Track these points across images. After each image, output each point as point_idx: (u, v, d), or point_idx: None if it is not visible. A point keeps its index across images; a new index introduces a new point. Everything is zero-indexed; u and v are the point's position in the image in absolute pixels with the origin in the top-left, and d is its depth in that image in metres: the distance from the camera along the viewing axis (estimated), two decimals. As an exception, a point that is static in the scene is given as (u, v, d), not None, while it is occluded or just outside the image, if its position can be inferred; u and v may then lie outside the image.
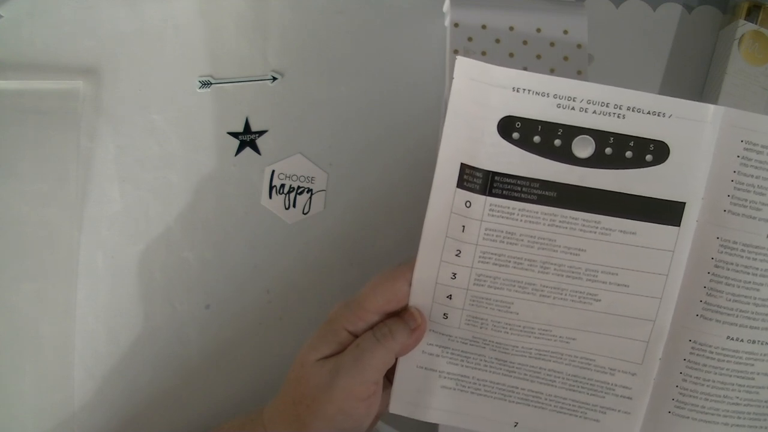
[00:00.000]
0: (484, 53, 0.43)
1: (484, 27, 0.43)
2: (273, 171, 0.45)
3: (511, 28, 0.43)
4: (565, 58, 0.43)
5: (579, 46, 0.44)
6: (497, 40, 0.43)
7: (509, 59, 0.43)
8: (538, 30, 0.43)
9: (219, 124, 0.45)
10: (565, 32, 0.44)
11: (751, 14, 0.46)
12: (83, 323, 0.43)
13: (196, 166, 0.45)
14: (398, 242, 0.45)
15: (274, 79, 0.46)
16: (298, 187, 0.45)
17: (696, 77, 0.48)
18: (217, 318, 0.44)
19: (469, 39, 0.43)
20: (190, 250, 0.44)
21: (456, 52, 0.43)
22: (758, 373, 0.36)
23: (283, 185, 0.45)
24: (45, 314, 0.43)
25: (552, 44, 0.43)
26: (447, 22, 0.44)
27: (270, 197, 0.45)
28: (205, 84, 0.45)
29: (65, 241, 0.43)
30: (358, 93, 0.46)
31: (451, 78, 0.43)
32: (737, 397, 0.36)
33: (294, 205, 0.45)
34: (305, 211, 0.45)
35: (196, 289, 0.44)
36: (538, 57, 0.43)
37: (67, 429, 0.42)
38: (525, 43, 0.43)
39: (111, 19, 0.45)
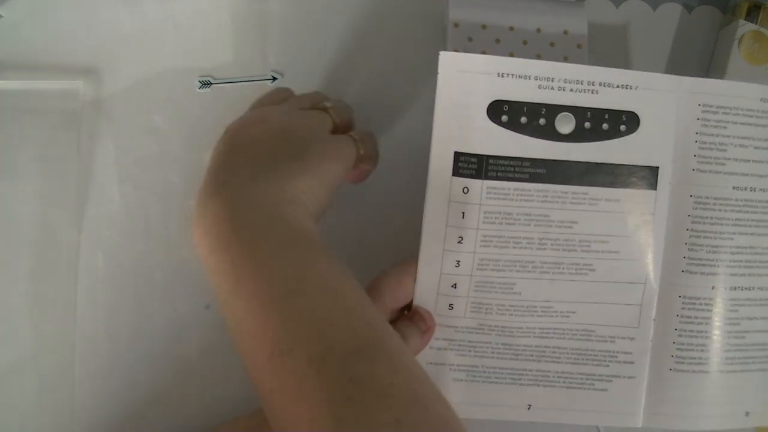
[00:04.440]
0: (483, 53, 0.43)
1: (484, 27, 0.43)
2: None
3: (511, 28, 0.43)
4: (565, 59, 0.43)
5: (579, 46, 0.44)
6: (497, 40, 0.43)
7: (509, 59, 0.43)
8: (538, 30, 0.43)
9: (219, 124, 0.45)
10: (565, 32, 0.44)
11: (751, 14, 0.46)
12: (83, 323, 0.43)
13: (196, 166, 0.45)
14: (398, 242, 0.45)
15: (274, 79, 0.46)
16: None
17: (696, 77, 0.48)
18: (217, 318, 0.44)
19: (469, 39, 0.43)
20: (190, 250, 0.44)
21: (456, 52, 0.43)
22: (743, 318, 0.38)
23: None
24: (45, 314, 0.43)
25: (552, 44, 0.43)
26: (447, 22, 0.44)
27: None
28: (205, 84, 0.45)
29: (65, 241, 0.43)
30: (358, 93, 0.46)
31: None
32: (728, 344, 0.38)
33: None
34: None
35: (196, 289, 0.44)
36: (538, 57, 0.43)
37: (67, 429, 0.42)
38: (525, 43, 0.43)
39: (111, 19, 0.45)
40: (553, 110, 0.36)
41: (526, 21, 0.43)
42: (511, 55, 0.43)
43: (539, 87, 0.36)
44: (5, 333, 0.42)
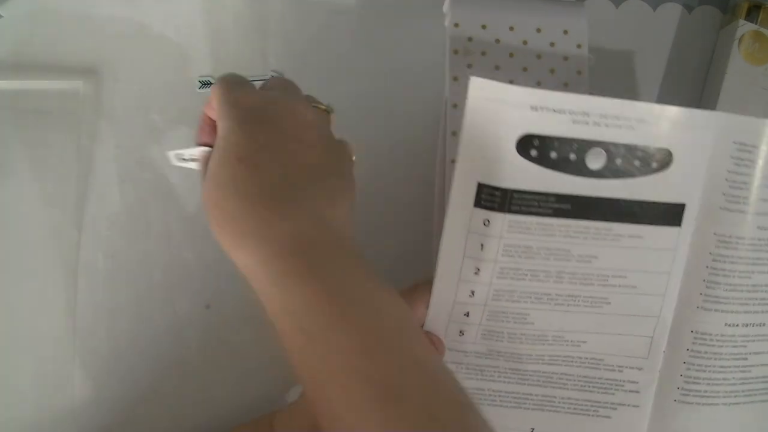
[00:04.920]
0: (484, 53, 0.43)
1: (484, 27, 0.43)
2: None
3: (511, 28, 0.43)
4: (565, 59, 0.43)
5: (579, 46, 0.44)
6: (497, 40, 0.43)
7: (509, 60, 0.43)
8: (538, 30, 0.43)
9: (219, 124, 0.45)
10: (565, 32, 0.44)
11: (751, 14, 0.46)
12: (83, 323, 0.43)
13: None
14: (399, 243, 0.45)
15: (274, 79, 0.46)
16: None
17: (696, 77, 0.48)
18: (217, 318, 0.44)
19: (469, 39, 0.43)
20: (190, 250, 0.44)
21: (456, 52, 0.43)
22: (751, 353, 0.38)
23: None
24: (45, 314, 0.43)
25: (552, 44, 0.43)
26: (447, 22, 0.44)
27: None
28: (205, 84, 0.45)
29: (65, 241, 0.43)
30: (358, 93, 0.46)
31: (452, 78, 0.43)
32: (734, 378, 0.38)
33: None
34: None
35: (196, 289, 0.44)
36: (539, 57, 0.43)
37: (67, 429, 0.42)
38: (525, 43, 0.43)
39: (111, 19, 0.45)
40: (584, 145, 0.35)
41: (526, 21, 0.43)
42: (511, 55, 0.43)
43: (573, 122, 0.34)
44: (5, 333, 0.42)
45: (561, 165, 0.35)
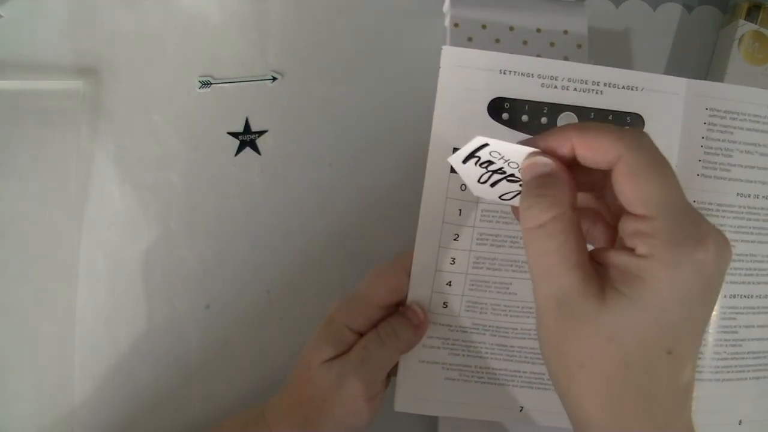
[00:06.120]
0: (484, 53, 0.43)
1: (484, 27, 0.43)
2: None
3: (511, 28, 0.43)
4: (565, 58, 0.43)
5: (579, 46, 0.44)
6: (497, 40, 0.43)
7: (509, 59, 0.43)
8: (538, 30, 0.43)
9: (219, 124, 0.45)
10: (565, 32, 0.44)
11: (751, 14, 0.46)
12: (83, 323, 0.43)
13: (196, 166, 0.45)
14: (398, 242, 0.45)
15: (274, 79, 0.46)
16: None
17: (696, 77, 0.48)
18: (217, 318, 0.44)
19: (469, 39, 0.43)
20: (190, 250, 0.44)
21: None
22: (740, 326, 0.38)
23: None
24: (45, 314, 0.43)
25: (552, 44, 0.43)
26: (447, 22, 0.44)
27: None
28: (205, 84, 0.45)
29: (65, 241, 0.43)
30: (358, 93, 0.46)
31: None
32: (725, 352, 0.38)
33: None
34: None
35: (196, 289, 0.44)
36: (539, 57, 0.43)
37: (67, 429, 0.42)
38: (525, 43, 0.43)
39: (111, 19, 0.45)
40: (555, 109, 0.36)
41: (526, 21, 0.43)
42: (511, 55, 0.43)
43: (542, 85, 0.35)
44: (5, 333, 0.42)
45: (533, 129, 0.36)
